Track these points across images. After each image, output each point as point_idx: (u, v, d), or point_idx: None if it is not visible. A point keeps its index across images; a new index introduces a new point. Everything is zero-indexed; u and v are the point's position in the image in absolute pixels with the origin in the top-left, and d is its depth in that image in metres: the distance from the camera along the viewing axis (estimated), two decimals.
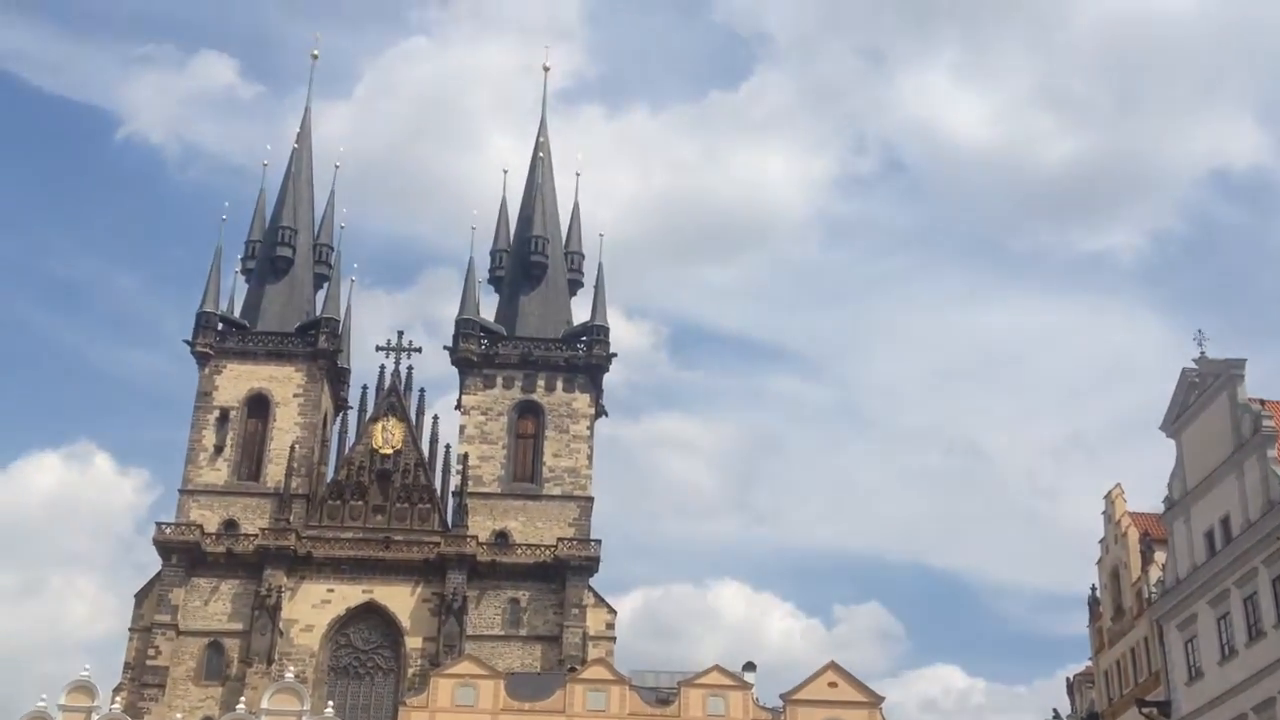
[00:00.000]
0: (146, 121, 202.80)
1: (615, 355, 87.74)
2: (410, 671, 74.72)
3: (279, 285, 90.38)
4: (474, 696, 58.93)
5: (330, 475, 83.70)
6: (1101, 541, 50.82)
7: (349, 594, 77.78)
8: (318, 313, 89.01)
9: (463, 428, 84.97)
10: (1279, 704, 36.80)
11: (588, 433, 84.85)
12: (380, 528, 79.87)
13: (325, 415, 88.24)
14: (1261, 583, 38.25)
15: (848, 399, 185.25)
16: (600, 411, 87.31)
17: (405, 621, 77.01)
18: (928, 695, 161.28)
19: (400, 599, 77.70)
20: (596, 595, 79.74)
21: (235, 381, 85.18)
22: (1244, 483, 39.76)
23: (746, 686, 59.84)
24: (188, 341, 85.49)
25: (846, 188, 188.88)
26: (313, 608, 77.30)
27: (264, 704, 58.77)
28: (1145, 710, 44.06)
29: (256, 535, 78.94)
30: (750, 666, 62.19)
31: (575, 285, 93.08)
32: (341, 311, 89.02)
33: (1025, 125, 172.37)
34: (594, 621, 78.54)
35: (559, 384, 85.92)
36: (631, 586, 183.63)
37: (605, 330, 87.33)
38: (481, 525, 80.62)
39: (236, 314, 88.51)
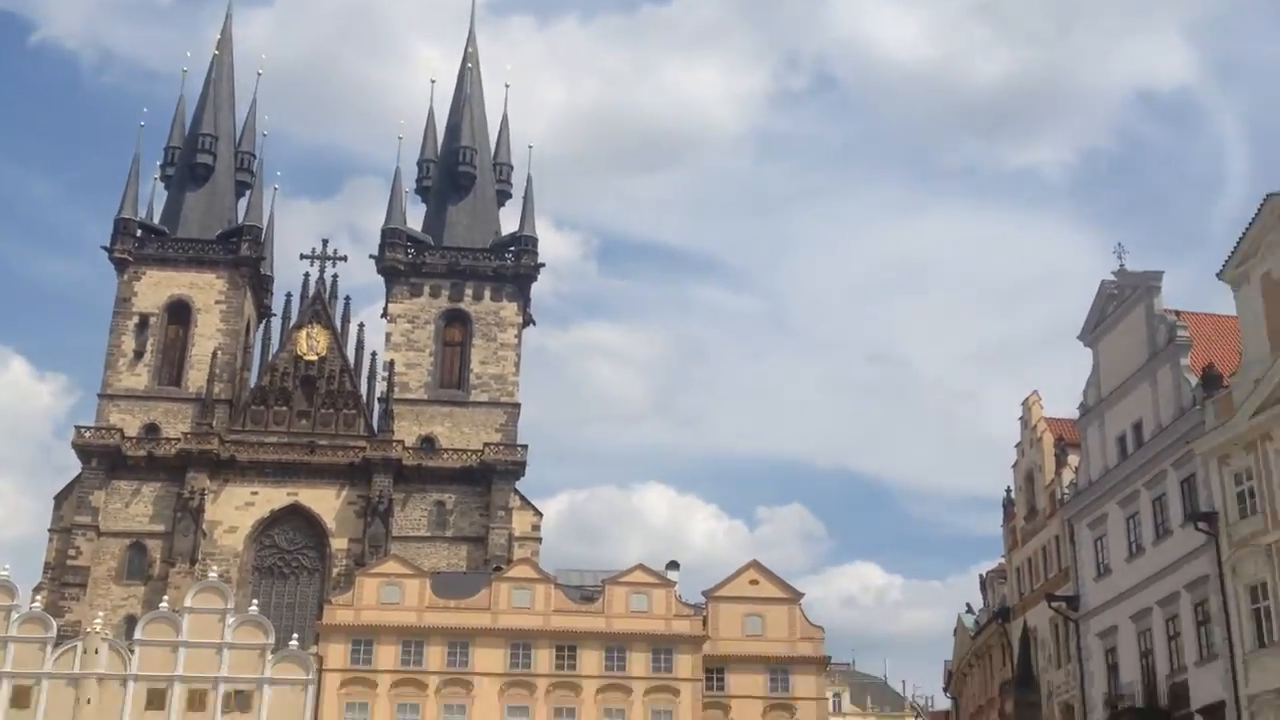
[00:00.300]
0: (61, 26, 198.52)
1: (543, 265, 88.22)
2: (335, 571, 75.46)
3: (199, 192, 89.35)
4: (399, 595, 59.64)
5: (254, 381, 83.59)
6: (1018, 446, 52.43)
7: (273, 496, 78.06)
8: (239, 220, 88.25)
9: (389, 335, 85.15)
10: (1182, 598, 38.57)
11: (515, 341, 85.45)
12: (305, 432, 80.00)
13: (248, 322, 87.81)
14: (1170, 485, 39.86)
15: (774, 309, 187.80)
16: (528, 320, 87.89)
17: (330, 523, 77.54)
18: (847, 592, 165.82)
19: (325, 502, 78.13)
20: (522, 498, 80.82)
21: (155, 288, 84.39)
22: (1156, 390, 41.28)
23: (669, 584, 61.19)
24: (106, 248, 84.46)
25: (779, 102, 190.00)
26: (236, 510, 77.51)
27: (187, 602, 59.05)
28: (1054, 604, 45.90)
29: (178, 440, 78.71)
30: (674, 565, 63.55)
31: (504, 196, 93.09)
32: (264, 219, 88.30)
33: (958, 42, 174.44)
34: (520, 524, 79.71)
35: (487, 293, 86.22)
36: (557, 490, 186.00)
37: (534, 240, 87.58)
38: (408, 431, 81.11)
39: (156, 221, 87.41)
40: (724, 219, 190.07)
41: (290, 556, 77.89)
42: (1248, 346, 36.15)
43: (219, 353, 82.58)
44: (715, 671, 60.45)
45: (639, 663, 58.96)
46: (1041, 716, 48.14)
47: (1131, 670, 40.85)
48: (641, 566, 62.03)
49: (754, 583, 62.54)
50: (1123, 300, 43.39)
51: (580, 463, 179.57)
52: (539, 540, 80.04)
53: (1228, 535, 35.99)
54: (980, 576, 62.08)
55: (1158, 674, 39.49)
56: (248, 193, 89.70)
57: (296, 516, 78.23)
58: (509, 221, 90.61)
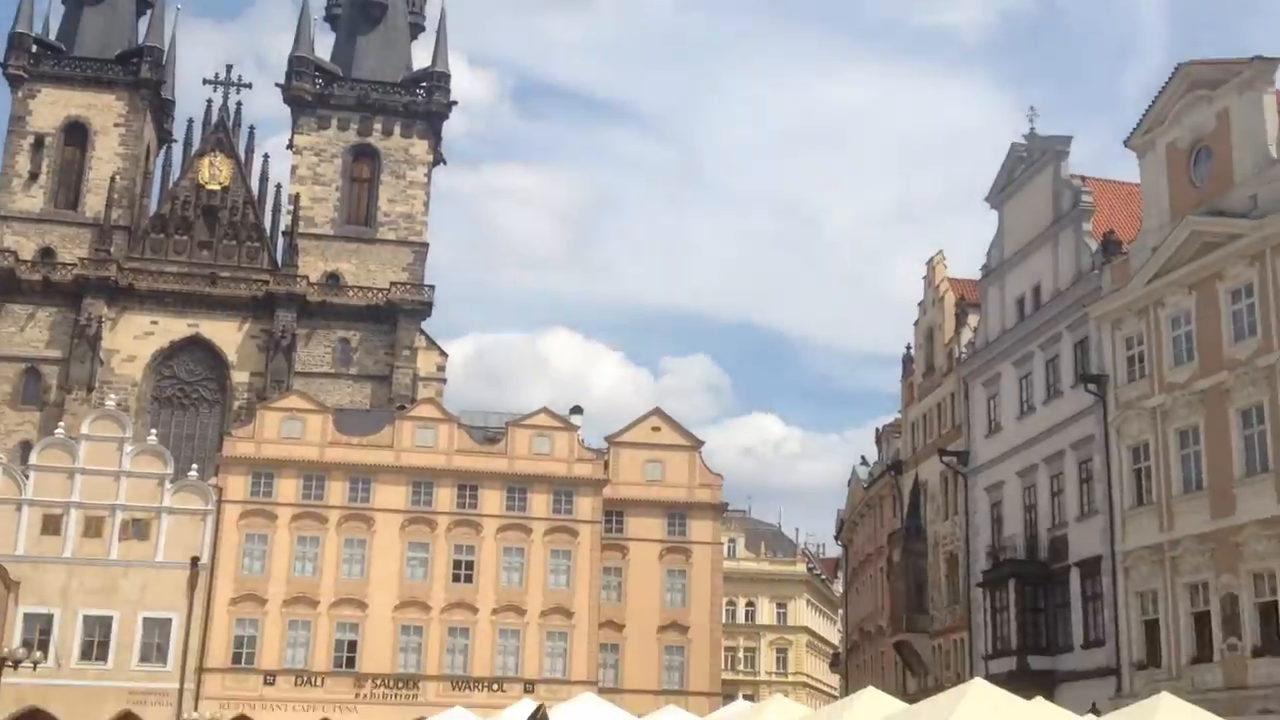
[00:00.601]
0: None
1: (456, 103, 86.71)
2: (236, 405, 74.99)
3: (98, 9, 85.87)
4: (301, 430, 59.44)
5: (153, 209, 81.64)
6: (920, 304, 53.29)
7: (173, 327, 76.98)
8: (140, 41, 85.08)
9: (294, 168, 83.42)
10: (1067, 457, 39.87)
11: (425, 179, 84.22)
12: (206, 264, 78.66)
13: (148, 147, 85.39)
14: (1064, 347, 40.88)
15: (689, 160, 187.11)
16: (439, 159, 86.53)
17: (232, 356, 76.80)
18: (746, 442, 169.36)
19: (227, 334, 77.25)
20: (428, 339, 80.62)
21: (52, 107, 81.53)
22: (1057, 254, 42.02)
23: (573, 429, 61.71)
24: None
25: None
26: (135, 339, 76.37)
27: (85, 429, 58.31)
28: (945, 459, 47.28)
29: (75, 265, 76.96)
30: (577, 410, 63.97)
31: (416, 29, 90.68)
32: (165, 40, 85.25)
33: None
34: (425, 364, 79.66)
35: (396, 129, 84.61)
36: (464, 332, 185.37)
37: (446, 77, 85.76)
38: (313, 266, 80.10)
39: (53, 37, 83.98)
40: (642, 66, 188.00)
41: (190, 388, 77.15)
42: (1148, 214, 36.85)
43: (117, 177, 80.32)
44: (614, 514, 61.51)
45: (540, 504, 59.72)
46: (927, 566, 49.92)
47: (1015, 524, 42.36)
48: (545, 410, 62.37)
49: (656, 430, 63.35)
50: (1031, 164, 43.81)
51: (488, 306, 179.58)
52: (444, 381, 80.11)
53: (1115, 397, 37.14)
54: (876, 430, 63.69)
55: (1040, 528, 41.02)
56: (148, 11, 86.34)
57: (197, 348, 77.28)
58: (421, 56, 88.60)
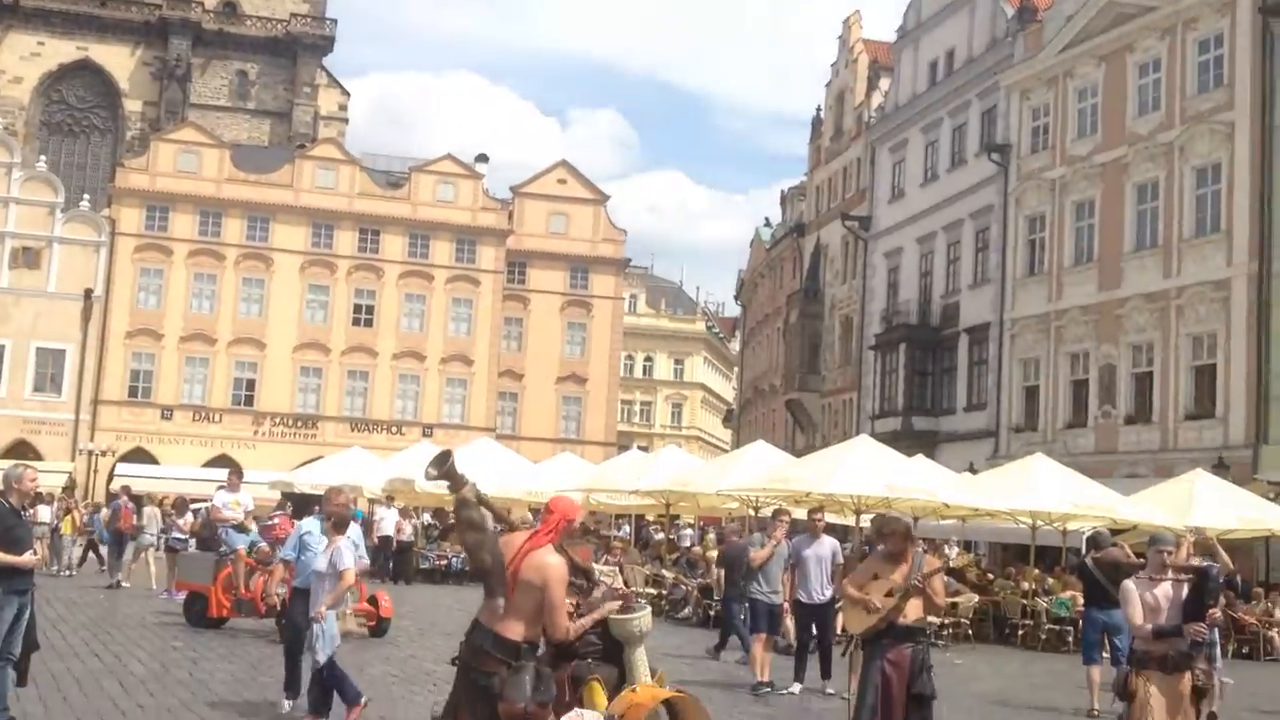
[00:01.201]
0: None
1: None
2: (129, 135, 72.50)
3: None
4: (197, 164, 57.84)
5: None
6: (833, 65, 52.75)
7: (61, 49, 73.52)
8: None
9: None
10: (966, 225, 40.47)
11: None
12: None
13: None
14: (972, 114, 40.96)
15: None
16: None
17: (124, 83, 73.83)
18: (653, 199, 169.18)
19: (118, 60, 74.05)
20: (330, 75, 78.07)
21: None
22: (974, 19, 41.68)
23: (477, 176, 60.81)
24: None
25: None
26: (21, 60, 72.91)
27: None
28: (848, 223, 47.72)
29: None
30: (483, 158, 62.88)
31: None
32: None
33: None
34: (326, 102, 77.35)
35: None
36: (366, 71, 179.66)
37: None
38: None
39: None
40: None
41: (81, 115, 74.27)
42: None
43: None
44: (517, 266, 61.43)
45: (442, 252, 59.31)
46: (822, 328, 50.96)
47: (910, 290, 43.22)
48: (450, 156, 61.28)
49: (562, 182, 62.76)
50: None
51: (392, 44, 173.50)
52: (345, 121, 77.95)
53: (1018, 167, 37.56)
54: (781, 192, 63.84)
55: (934, 295, 41.93)
56: None
57: (87, 73, 74.04)
58: None
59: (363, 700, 10.00)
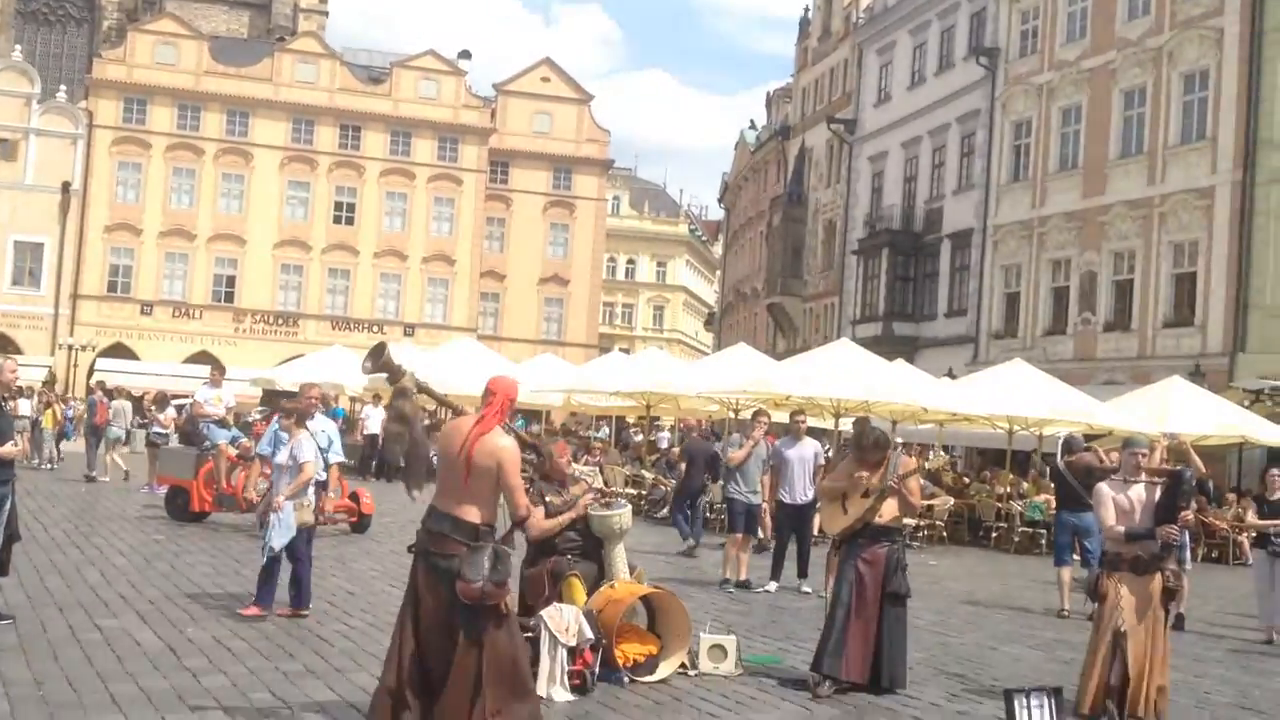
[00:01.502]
0: None
1: None
2: (106, 25, 71.13)
3: None
4: (175, 56, 56.93)
5: None
6: None
7: None
8: None
9: None
10: (951, 130, 40.23)
11: None
12: None
13: None
14: (961, 17, 40.50)
15: None
16: None
17: None
18: (637, 100, 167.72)
19: None
20: None
21: None
22: None
23: (460, 73, 60.00)
24: None
25: None
26: None
27: None
28: (833, 126, 47.36)
29: None
30: (465, 55, 61.90)
31: None
32: None
33: None
34: None
35: None
36: None
37: None
38: None
39: None
40: None
41: (56, 3, 72.78)
42: None
43: None
44: (500, 165, 60.94)
45: (424, 150, 58.73)
46: (805, 232, 50.82)
47: (894, 195, 43.06)
48: (432, 52, 60.39)
49: (545, 80, 62.02)
50: None
51: None
52: (325, 14, 76.60)
53: (1005, 72, 37.26)
54: (767, 94, 63.17)
55: (917, 200, 41.80)
56: None
57: None
58: None
59: (269, 608, 10.01)
